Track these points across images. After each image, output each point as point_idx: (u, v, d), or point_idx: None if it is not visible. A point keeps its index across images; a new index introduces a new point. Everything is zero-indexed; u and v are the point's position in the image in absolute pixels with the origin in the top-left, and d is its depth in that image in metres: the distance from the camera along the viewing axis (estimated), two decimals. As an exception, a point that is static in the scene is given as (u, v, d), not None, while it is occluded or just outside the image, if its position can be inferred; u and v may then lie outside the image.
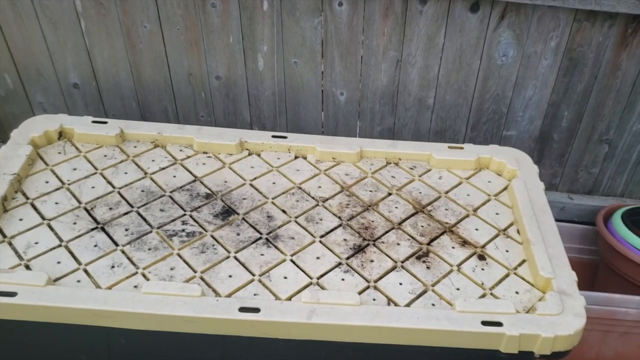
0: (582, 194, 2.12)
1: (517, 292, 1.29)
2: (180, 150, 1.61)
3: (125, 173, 1.52)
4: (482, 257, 1.37)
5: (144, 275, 1.26)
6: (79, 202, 1.43)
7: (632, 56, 1.74)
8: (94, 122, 1.63)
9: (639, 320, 1.77)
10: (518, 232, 1.45)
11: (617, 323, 1.80)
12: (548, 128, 1.93)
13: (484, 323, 1.18)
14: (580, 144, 1.97)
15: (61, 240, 1.32)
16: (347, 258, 1.35)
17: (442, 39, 1.73)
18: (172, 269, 1.28)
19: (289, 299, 1.24)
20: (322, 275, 1.30)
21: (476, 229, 1.45)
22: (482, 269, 1.34)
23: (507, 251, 1.39)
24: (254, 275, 1.28)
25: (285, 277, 1.29)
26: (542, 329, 1.18)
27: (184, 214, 1.42)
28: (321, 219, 1.45)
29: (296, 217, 1.44)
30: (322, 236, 1.40)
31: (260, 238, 1.38)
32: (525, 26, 1.69)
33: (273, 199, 1.49)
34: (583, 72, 1.79)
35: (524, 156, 1.64)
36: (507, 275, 1.33)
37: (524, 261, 1.37)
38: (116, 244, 1.32)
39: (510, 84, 1.82)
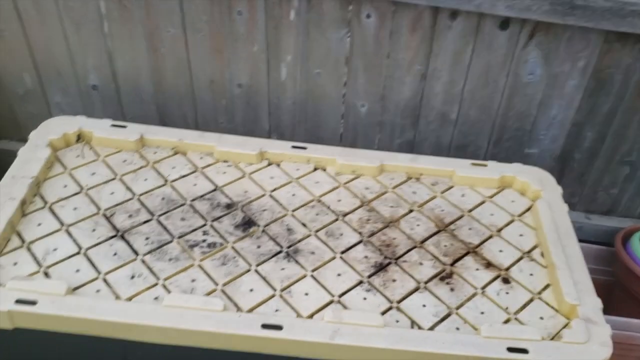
0: (600, 214, 2.10)
1: (541, 318, 1.27)
2: (201, 158, 1.59)
3: (145, 179, 1.50)
4: (506, 280, 1.35)
5: (164, 287, 1.24)
6: (98, 208, 1.41)
7: (660, 79, 1.73)
8: (113, 125, 1.61)
9: (657, 346, 1.76)
10: (542, 255, 1.43)
11: (634, 348, 1.78)
12: (570, 147, 1.90)
13: (510, 350, 1.16)
14: (601, 164, 1.95)
15: (80, 248, 1.30)
16: (369, 276, 1.33)
17: (470, 55, 1.71)
18: (193, 281, 1.26)
19: (311, 316, 1.22)
20: (343, 293, 1.28)
21: (500, 251, 1.43)
22: (507, 293, 1.32)
23: (531, 275, 1.37)
24: (275, 290, 1.26)
25: (306, 294, 1.27)
26: (568, 358, 1.16)
27: (205, 224, 1.40)
28: (341, 234, 1.43)
29: (316, 231, 1.42)
30: (342, 252, 1.38)
31: (281, 252, 1.36)
32: (554, 46, 1.67)
33: (293, 211, 1.47)
34: (610, 93, 1.76)
35: (547, 176, 1.61)
36: (531, 300, 1.31)
37: (548, 286, 1.35)
38: (136, 253, 1.30)
39: (535, 102, 1.79)
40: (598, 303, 1.28)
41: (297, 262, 1.34)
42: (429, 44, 1.70)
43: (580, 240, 2.08)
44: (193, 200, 1.46)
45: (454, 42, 1.68)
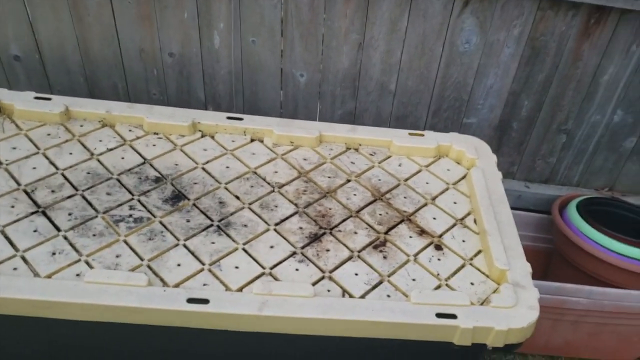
0: (539, 182, 2.13)
1: (472, 283, 1.28)
2: (130, 131, 1.53)
3: (70, 153, 1.44)
4: (438, 247, 1.35)
5: (87, 263, 1.19)
6: (18, 183, 1.34)
7: (593, 47, 1.74)
8: (36, 98, 1.53)
9: (589, 309, 1.80)
10: (475, 222, 1.43)
11: (568, 312, 1.82)
12: (508, 117, 1.92)
13: (439, 315, 1.16)
14: (538, 133, 1.97)
15: (-3, 225, 1.24)
16: (302, 247, 1.31)
17: (406, 23, 1.69)
18: (117, 257, 1.22)
19: (240, 289, 1.19)
20: (275, 265, 1.26)
21: (434, 218, 1.43)
22: (439, 259, 1.32)
23: (463, 241, 1.38)
24: (203, 264, 1.23)
25: (236, 267, 1.24)
26: (496, 322, 1.17)
27: (132, 199, 1.35)
28: (276, 206, 1.40)
29: (250, 204, 1.39)
30: (276, 224, 1.35)
31: (212, 225, 1.32)
32: (489, 13, 1.66)
33: (226, 184, 1.44)
34: (545, 61, 1.78)
35: (483, 145, 1.62)
36: (462, 266, 1.32)
37: (480, 252, 1.36)
38: (58, 229, 1.25)
39: (472, 71, 1.79)
40: (527, 267, 1.29)
41: (228, 235, 1.31)
42: (365, 12, 1.67)
43: (521, 209, 2.13)
44: (120, 174, 1.41)
45: (390, 10, 1.66)
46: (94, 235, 1.25)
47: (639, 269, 1.76)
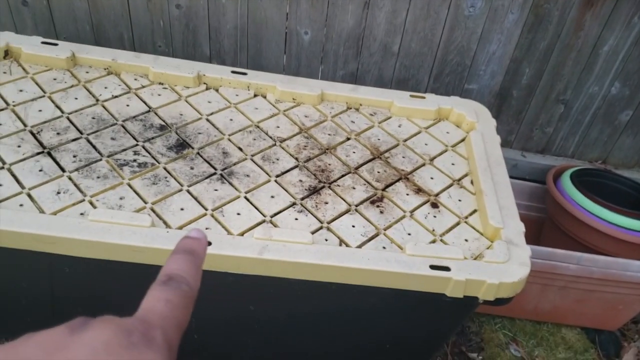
0: (535, 152, 2.16)
1: (466, 240, 1.31)
2: (135, 79, 1.55)
3: (76, 98, 1.46)
4: (435, 205, 1.39)
5: (91, 203, 1.22)
6: (25, 124, 1.36)
7: (595, 16, 1.75)
8: (43, 42, 1.54)
9: (577, 275, 1.85)
10: (472, 182, 1.46)
11: (557, 277, 1.87)
12: (508, 84, 1.94)
13: (432, 267, 1.20)
14: (537, 102, 1.99)
15: (4, 163, 1.26)
16: (302, 199, 1.34)
17: (412, -16, 1.70)
18: (121, 199, 1.24)
19: (242, 234, 1.22)
20: (276, 214, 1.29)
21: (431, 178, 1.46)
22: (434, 216, 1.36)
23: (459, 200, 1.41)
24: (206, 209, 1.26)
25: (238, 214, 1.27)
26: (488, 275, 1.21)
27: (136, 144, 1.37)
28: (278, 159, 1.43)
29: (252, 155, 1.42)
30: (277, 176, 1.38)
31: (215, 173, 1.35)
32: (495, -23, 1.68)
33: (230, 135, 1.46)
34: (547, 29, 1.79)
35: (483, 109, 1.64)
36: (457, 224, 1.35)
37: (475, 211, 1.39)
38: (63, 170, 1.27)
39: (476, 36, 1.80)
40: (520, 227, 1.33)
41: (230, 184, 1.33)
42: (372, -30, 1.67)
43: (516, 177, 2.17)
44: (125, 120, 1.43)
45: (397, -30, 1.67)
46: (98, 177, 1.28)
47: (628, 238, 1.80)
